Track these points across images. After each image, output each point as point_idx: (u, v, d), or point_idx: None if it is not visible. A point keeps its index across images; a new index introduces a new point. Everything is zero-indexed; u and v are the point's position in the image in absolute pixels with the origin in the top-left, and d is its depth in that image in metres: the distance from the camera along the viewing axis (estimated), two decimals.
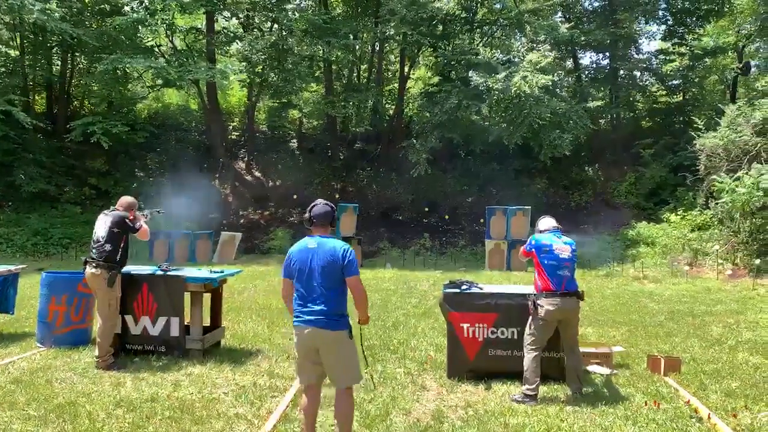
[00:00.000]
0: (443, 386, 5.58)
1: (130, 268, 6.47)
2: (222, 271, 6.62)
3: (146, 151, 22.06)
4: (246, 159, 23.28)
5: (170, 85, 20.96)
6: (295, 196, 20.83)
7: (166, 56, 21.41)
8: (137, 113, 23.69)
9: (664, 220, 18.37)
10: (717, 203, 15.79)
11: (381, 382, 5.61)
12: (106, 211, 6.15)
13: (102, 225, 6.02)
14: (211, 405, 4.92)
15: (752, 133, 15.83)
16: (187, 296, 6.36)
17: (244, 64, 20.87)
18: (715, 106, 19.70)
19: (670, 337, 7.91)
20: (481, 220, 17.78)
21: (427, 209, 20.43)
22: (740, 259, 14.92)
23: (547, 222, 5.78)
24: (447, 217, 20.01)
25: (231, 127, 24.61)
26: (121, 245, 5.95)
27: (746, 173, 14.92)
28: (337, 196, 21.14)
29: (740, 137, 15.96)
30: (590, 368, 6.10)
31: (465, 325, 5.80)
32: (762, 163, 15.12)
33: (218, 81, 20.69)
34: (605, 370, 6.05)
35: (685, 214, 17.82)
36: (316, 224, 4.07)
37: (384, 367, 6.14)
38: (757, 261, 14.25)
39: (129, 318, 6.34)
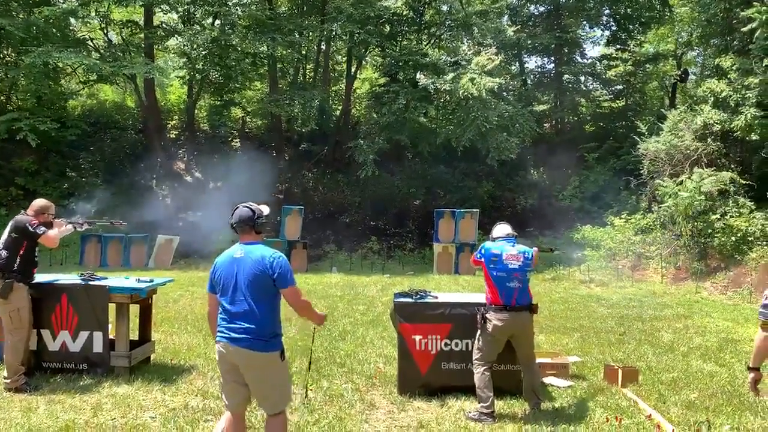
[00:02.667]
0: (394, 403, 5.19)
1: (50, 276, 5.83)
2: (151, 280, 6.04)
3: (79, 150, 20.88)
4: (186, 159, 22.37)
5: (104, 81, 19.92)
6: (236, 199, 20.09)
7: (101, 50, 20.35)
8: (70, 110, 22.43)
9: (609, 223, 18.56)
10: (660, 207, 16.02)
11: (327, 401, 5.17)
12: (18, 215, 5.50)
13: (6, 230, 5.38)
14: None
15: (693, 138, 16.13)
16: (112, 308, 5.76)
17: (183, 60, 20.04)
18: (656, 112, 20.09)
19: (622, 344, 7.76)
20: (430, 228, 17.54)
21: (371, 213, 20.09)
22: (682, 263, 15.13)
23: (500, 229, 5.44)
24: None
25: (170, 126, 23.62)
26: (21, 252, 5.29)
27: (688, 177, 15.17)
28: (281, 197, 20.55)
29: (682, 142, 16.25)
30: (547, 380, 5.83)
31: (417, 337, 5.42)
32: (703, 168, 15.42)
33: (156, 77, 19.78)
34: (562, 383, 5.79)
35: (629, 217, 18.01)
36: (239, 230, 3.61)
37: (330, 383, 5.70)
38: (698, 264, 14.51)
39: (46, 333, 5.69)
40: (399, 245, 19.00)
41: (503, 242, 5.24)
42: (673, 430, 4.52)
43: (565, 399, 5.38)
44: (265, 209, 3.72)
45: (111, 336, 5.79)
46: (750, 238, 14.16)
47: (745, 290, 12.61)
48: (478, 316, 5.00)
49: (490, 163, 18.34)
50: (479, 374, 4.91)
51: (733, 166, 15.97)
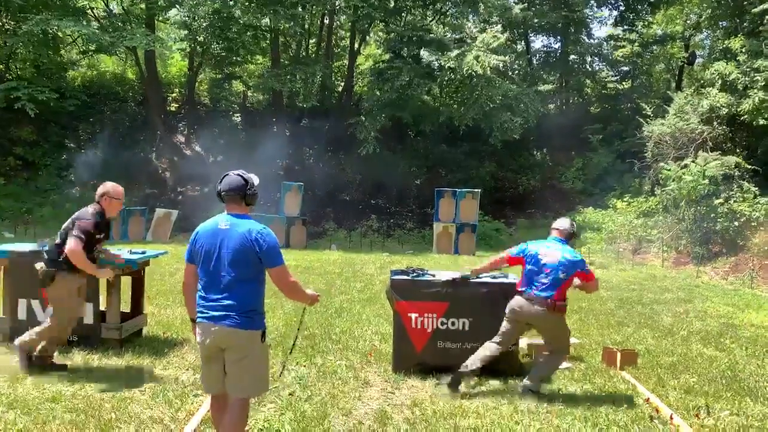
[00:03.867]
0: (388, 381, 5.10)
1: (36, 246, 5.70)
2: (144, 252, 5.92)
3: (78, 121, 20.71)
4: (186, 132, 22.19)
5: (104, 52, 19.66)
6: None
7: (101, 20, 20.06)
8: (69, 80, 22.20)
9: (611, 206, 18.44)
10: (663, 190, 15.86)
11: (320, 378, 5.08)
12: None
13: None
14: (122, 405, 4.29)
15: (699, 122, 15.94)
16: (102, 280, 5.64)
17: (184, 32, 19.76)
18: (662, 94, 19.84)
19: (621, 326, 7.67)
20: (430, 207, 17.41)
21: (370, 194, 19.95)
22: (684, 247, 15.02)
23: (557, 223, 5.28)
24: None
25: (170, 99, 23.39)
26: None
27: (693, 161, 15.00)
28: (281, 173, 20.41)
29: (687, 125, 16.06)
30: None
31: (413, 315, 5.31)
32: (708, 152, 15.24)
33: (157, 49, 19.53)
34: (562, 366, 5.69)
35: (632, 200, 17.90)
36: (227, 199, 3.33)
37: (324, 359, 5.61)
38: (700, 249, 14.40)
39: (36, 304, 5.60)
40: (399, 224, 18.91)
41: (552, 241, 5.08)
42: (672, 414, 4.43)
43: (563, 381, 5.29)
44: (256, 179, 3.47)
45: (102, 308, 5.70)
46: (753, 224, 14.04)
47: (747, 276, 12.50)
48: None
49: (493, 143, 18.18)
50: (485, 344, 4.94)
51: (738, 150, 15.81)
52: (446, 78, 17.61)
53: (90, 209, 4.93)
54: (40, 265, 4.93)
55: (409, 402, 4.63)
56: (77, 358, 5.30)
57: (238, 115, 23.57)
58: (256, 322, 3.26)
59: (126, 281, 5.98)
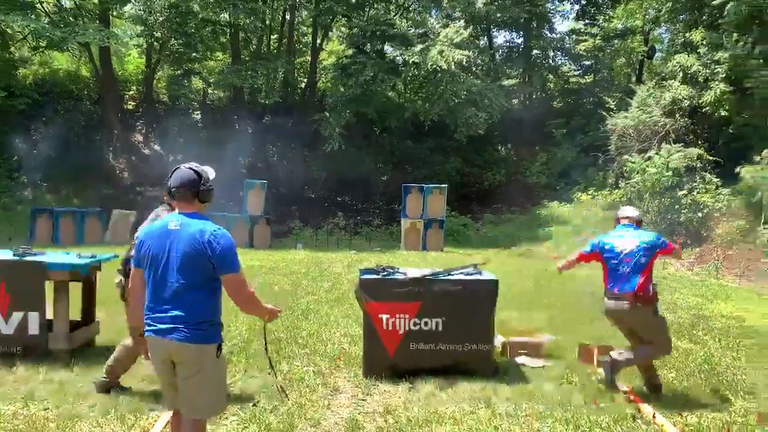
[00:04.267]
0: (359, 387, 4.84)
1: None
2: (93, 256, 5.53)
3: (29, 121, 19.86)
4: (144, 131, 21.53)
5: (55, 48, 18.89)
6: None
7: (51, 15, 19.28)
8: (20, 78, 21.29)
9: (576, 199, 18.50)
10: (627, 183, 15.94)
11: (287, 385, 4.78)
12: None
13: None
14: (69, 425, 3.93)
15: (662, 114, 16.07)
16: (50, 286, 5.25)
17: (141, 27, 19.13)
18: (624, 87, 19.99)
19: (595, 321, 7.54)
20: (398, 204, 17.19)
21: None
22: None
23: (622, 211, 5.14)
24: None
25: (127, 97, 22.67)
26: None
27: (656, 153, 15.09)
28: (244, 171, 19.95)
29: (650, 118, 16.17)
30: (519, 360, 5.55)
31: (384, 316, 5.05)
32: (671, 144, 15.35)
33: (112, 45, 18.86)
34: (536, 362, 5.52)
35: (596, 193, 17.98)
36: (177, 196, 2.96)
37: (290, 365, 5.31)
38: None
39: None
40: (366, 221, 18.66)
41: (621, 229, 4.91)
42: (654, 414, 4.27)
43: (539, 379, 5.10)
44: (211, 173, 3.10)
45: (49, 317, 5.29)
46: (716, 215, 14.18)
47: (712, 266, 12.60)
48: None
49: (458, 138, 18.05)
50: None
51: (700, 142, 15.98)
52: (411, 73, 17.43)
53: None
54: (119, 279, 4.55)
55: (381, 409, 4.37)
56: (20, 372, 4.89)
57: (198, 112, 22.98)
58: (209, 335, 2.89)
59: (76, 287, 5.58)
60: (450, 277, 5.19)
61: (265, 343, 3.55)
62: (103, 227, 15.06)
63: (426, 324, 5.09)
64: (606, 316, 4.95)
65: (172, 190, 2.98)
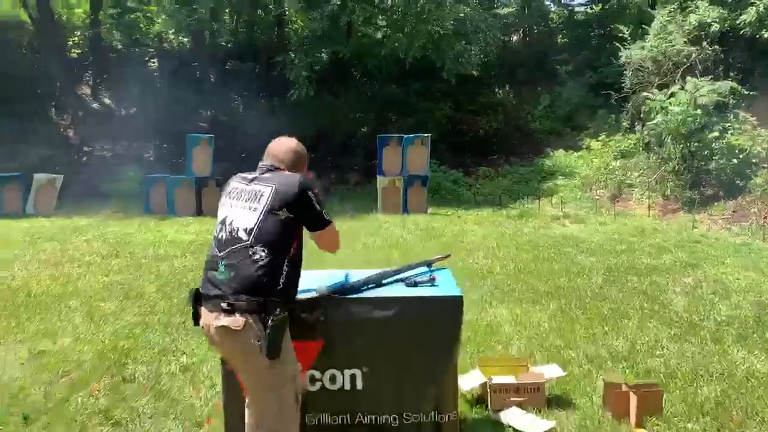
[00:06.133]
0: None
1: None
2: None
3: None
4: (92, 83, 19.01)
5: None
6: (154, 128, 17.09)
7: None
8: None
9: (584, 147, 16.15)
10: (647, 126, 13.53)
11: None
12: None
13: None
14: None
15: (686, 42, 13.49)
16: None
17: None
18: (642, 13, 17.19)
19: (618, 318, 5.31)
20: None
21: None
22: (671, 191, 12.78)
23: None
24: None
25: (71, 44, 20.02)
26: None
27: (681, 89, 12.62)
28: (205, 125, 17.56)
29: (672, 47, 13.62)
30: (508, 417, 3.32)
31: None
32: (697, 77, 12.85)
33: None
34: (537, 424, 3.27)
35: (608, 139, 15.61)
36: None
37: None
38: (690, 193, 12.17)
39: None
40: (343, 179, 16.34)
41: None
42: None
43: None
44: None
45: None
46: (754, 160, 11.78)
47: (754, 224, 10.29)
48: None
49: (447, 77, 15.53)
50: None
51: (733, 74, 13.47)
52: (389, 2, 14.79)
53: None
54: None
55: None
56: None
57: (154, 60, 20.36)
58: None
59: None
60: (376, 292, 2.90)
61: None
62: (24, 195, 12.73)
63: (333, 380, 2.82)
64: None
65: None
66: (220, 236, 2.56)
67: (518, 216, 11.71)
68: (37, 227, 10.32)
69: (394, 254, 7.97)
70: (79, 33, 20.01)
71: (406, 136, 12.94)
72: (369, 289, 2.91)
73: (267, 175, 2.60)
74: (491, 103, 19.26)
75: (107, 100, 18.81)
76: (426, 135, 12.88)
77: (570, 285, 6.52)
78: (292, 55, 15.03)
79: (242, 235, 2.47)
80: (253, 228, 2.46)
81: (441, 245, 8.49)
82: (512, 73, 19.52)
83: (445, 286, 2.98)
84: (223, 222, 2.58)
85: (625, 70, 14.65)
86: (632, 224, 11.12)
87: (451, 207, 12.94)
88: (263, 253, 2.42)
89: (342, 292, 2.83)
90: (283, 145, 2.74)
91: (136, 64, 19.74)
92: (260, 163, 2.70)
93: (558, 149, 16.46)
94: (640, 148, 14.55)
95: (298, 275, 2.58)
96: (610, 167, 14.57)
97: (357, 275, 3.00)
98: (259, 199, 2.51)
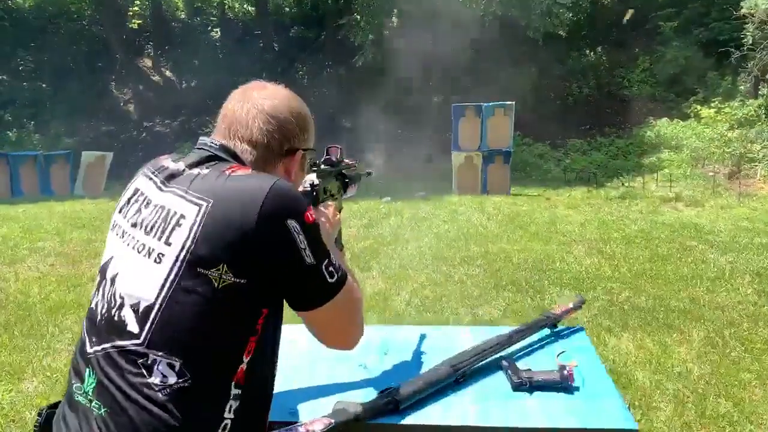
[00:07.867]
0: None
1: None
2: None
3: (15, 48, 16.95)
4: (153, 55, 18.27)
5: None
6: (214, 101, 16.14)
7: None
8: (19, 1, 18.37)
9: (692, 115, 13.98)
10: None
11: None
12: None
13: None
14: None
15: None
16: None
17: None
18: None
19: None
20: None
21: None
22: None
23: None
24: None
25: (131, 14, 19.33)
26: None
27: None
28: None
29: None
30: None
31: None
32: None
33: None
34: None
35: (722, 106, 13.40)
36: None
37: None
38: None
39: None
40: (412, 155, 14.88)
41: None
42: None
43: None
44: None
45: None
46: None
47: None
48: None
49: (533, 36, 13.68)
50: None
51: None
52: None
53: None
54: None
55: None
56: None
57: (217, 29, 19.41)
58: None
59: None
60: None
61: None
62: (72, 174, 11.99)
63: None
64: None
65: None
66: (95, 305, 1.17)
67: (620, 198, 9.93)
68: (76, 211, 9.45)
69: (473, 250, 6.47)
70: (139, 2, 19.28)
71: (485, 104, 11.28)
72: (448, 387, 1.47)
73: (203, 170, 1.17)
74: (581, 68, 17.19)
75: (168, 73, 18.02)
76: (509, 103, 11.18)
77: (711, 299, 4.86)
78: (358, 17, 13.57)
79: (129, 320, 1.07)
80: (153, 306, 1.06)
81: (531, 237, 6.95)
82: (605, 33, 17.34)
83: (594, 390, 1.50)
84: (104, 275, 1.19)
85: (746, 23, 12.43)
86: (763, 208, 9.15)
87: (537, 186, 11.30)
88: (172, 371, 1.02)
89: (397, 405, 1.39)
90: (259, 100, 1.27)
91: (198, 33, 18.89)
92: (200, 138, 1.27)
93: (660, 118, 14.38)
94: (764, 116, 12.37)
95: (268, 401, 1.18)
96: (727, 138, 12.42)
97: (434, 347, 1.57)
98: (171, 232, 1.09)
